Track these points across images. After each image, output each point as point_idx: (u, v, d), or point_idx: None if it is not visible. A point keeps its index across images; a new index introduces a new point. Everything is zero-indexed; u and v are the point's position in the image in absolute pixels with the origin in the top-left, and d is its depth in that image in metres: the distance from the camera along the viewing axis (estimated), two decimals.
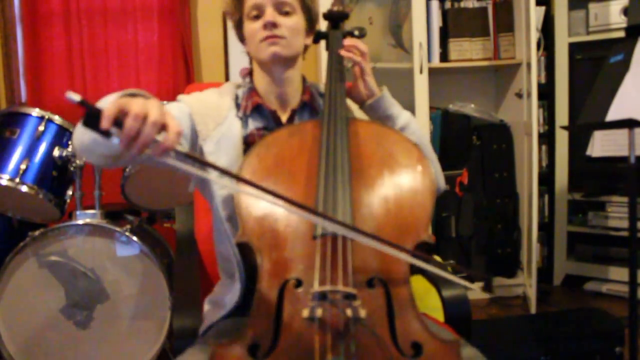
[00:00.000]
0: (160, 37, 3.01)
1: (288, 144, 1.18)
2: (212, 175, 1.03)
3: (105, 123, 0.85)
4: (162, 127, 0.88)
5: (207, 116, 1.23)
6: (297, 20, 1.26)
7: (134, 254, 2.00)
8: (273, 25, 1.22)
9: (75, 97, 0.83)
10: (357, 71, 1.28)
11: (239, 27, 1.31)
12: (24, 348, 1.97)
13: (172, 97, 2.87)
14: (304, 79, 1.35)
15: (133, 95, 0.98)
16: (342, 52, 1.27)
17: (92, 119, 0.87)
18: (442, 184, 1.35)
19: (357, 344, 0.87)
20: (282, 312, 0.93)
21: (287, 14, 1.24)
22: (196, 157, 0.95)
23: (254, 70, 1.33)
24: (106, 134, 0.87)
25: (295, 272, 0.98)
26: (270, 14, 1.22)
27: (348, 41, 1.28)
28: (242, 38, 1.32)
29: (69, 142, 2.11)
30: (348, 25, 1.41)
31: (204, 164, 1.01)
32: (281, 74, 1.28)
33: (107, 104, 0.88)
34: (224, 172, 0.99)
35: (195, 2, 3.11)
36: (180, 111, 1.23)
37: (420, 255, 1.01)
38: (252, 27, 1.25)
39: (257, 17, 1.24)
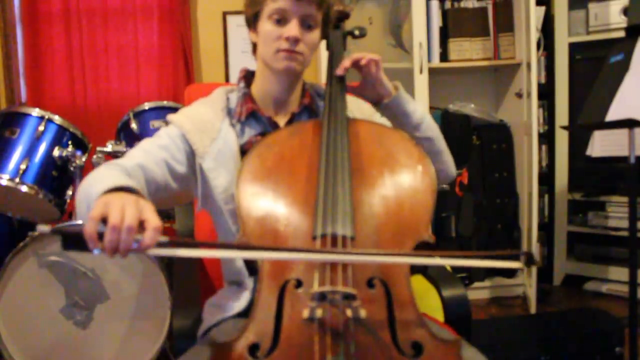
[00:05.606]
0: (160, 37, 3.02)
1: (289, 144, 1.18)
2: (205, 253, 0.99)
3: (91, 245, 0.84)
4: (141, 224, 0.87)
5: (202, 132, 1.21)
6: (317, 34, 1.24)
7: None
8: (295, 41, 1.19)
9: (45, 228, 0.83)
10: (372, 72, 1.24)
11: (253, 19, 1.25)
12: (24, 348, 1.96)
13: (172, 97, 2.92)
14: (303, 82, 1.34)
15: (117, 188, 0.95)
16: (341, 69, 1.23)
17: (72, 242, 0.85)
18: (453, 172, 1.34)
19: (356, 344, 0.87)
20: (282, 312, 0.93)
21: (309, 27, 1.21)
22: (181, 243, 0.94)
23: (257, 71, 1.31)
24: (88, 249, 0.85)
25: (296, 272, 0.98)
26: (294, 28, 1.18)
27: (347, 61, 1.23)
28: (252, 29, 1.27)
29: (69, 142, 2.11)
30: (348, 24, 1.41)
31: (192, 245, 0.97)
32: (288, 84, 1.28)
33: (85, 219, 0.86)
34: (213, 246, 0.98)
35: (195, 2, 3.11)
36: (171, 138, 1.21)
37: (423, 254, 1.01)
38: (272, 30, 1.20)
39: (278, 21, 1.20)
